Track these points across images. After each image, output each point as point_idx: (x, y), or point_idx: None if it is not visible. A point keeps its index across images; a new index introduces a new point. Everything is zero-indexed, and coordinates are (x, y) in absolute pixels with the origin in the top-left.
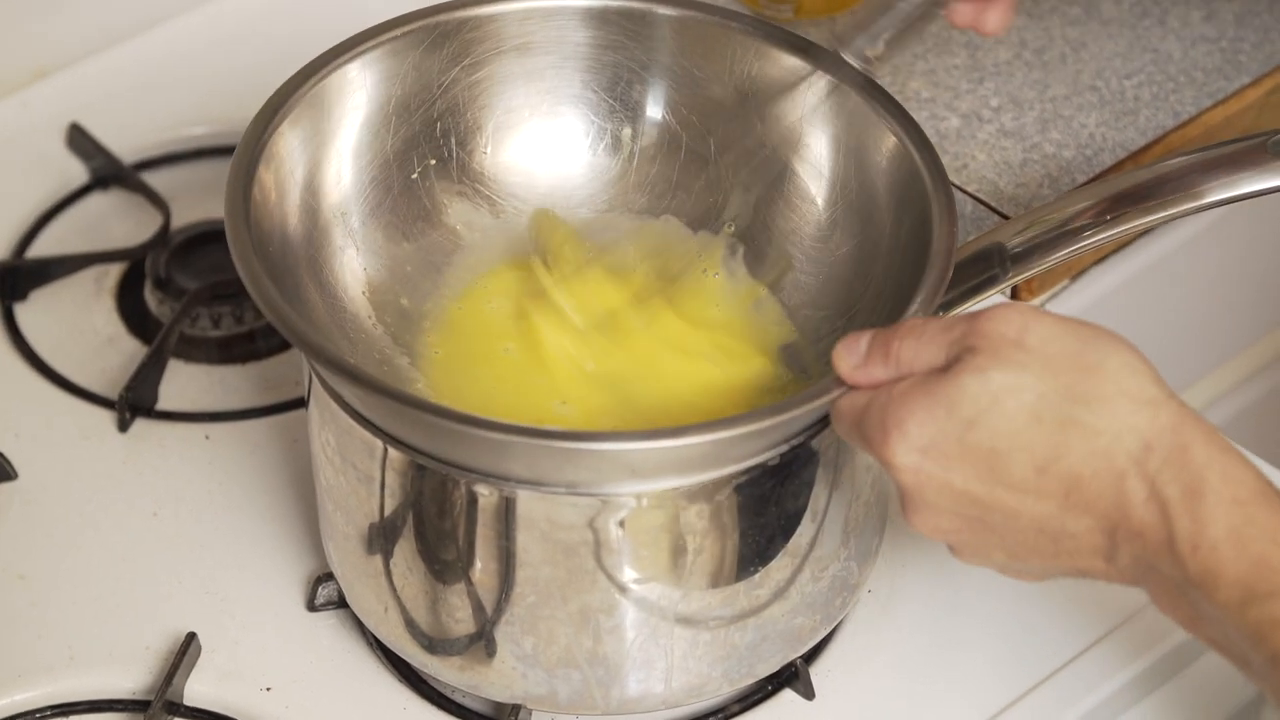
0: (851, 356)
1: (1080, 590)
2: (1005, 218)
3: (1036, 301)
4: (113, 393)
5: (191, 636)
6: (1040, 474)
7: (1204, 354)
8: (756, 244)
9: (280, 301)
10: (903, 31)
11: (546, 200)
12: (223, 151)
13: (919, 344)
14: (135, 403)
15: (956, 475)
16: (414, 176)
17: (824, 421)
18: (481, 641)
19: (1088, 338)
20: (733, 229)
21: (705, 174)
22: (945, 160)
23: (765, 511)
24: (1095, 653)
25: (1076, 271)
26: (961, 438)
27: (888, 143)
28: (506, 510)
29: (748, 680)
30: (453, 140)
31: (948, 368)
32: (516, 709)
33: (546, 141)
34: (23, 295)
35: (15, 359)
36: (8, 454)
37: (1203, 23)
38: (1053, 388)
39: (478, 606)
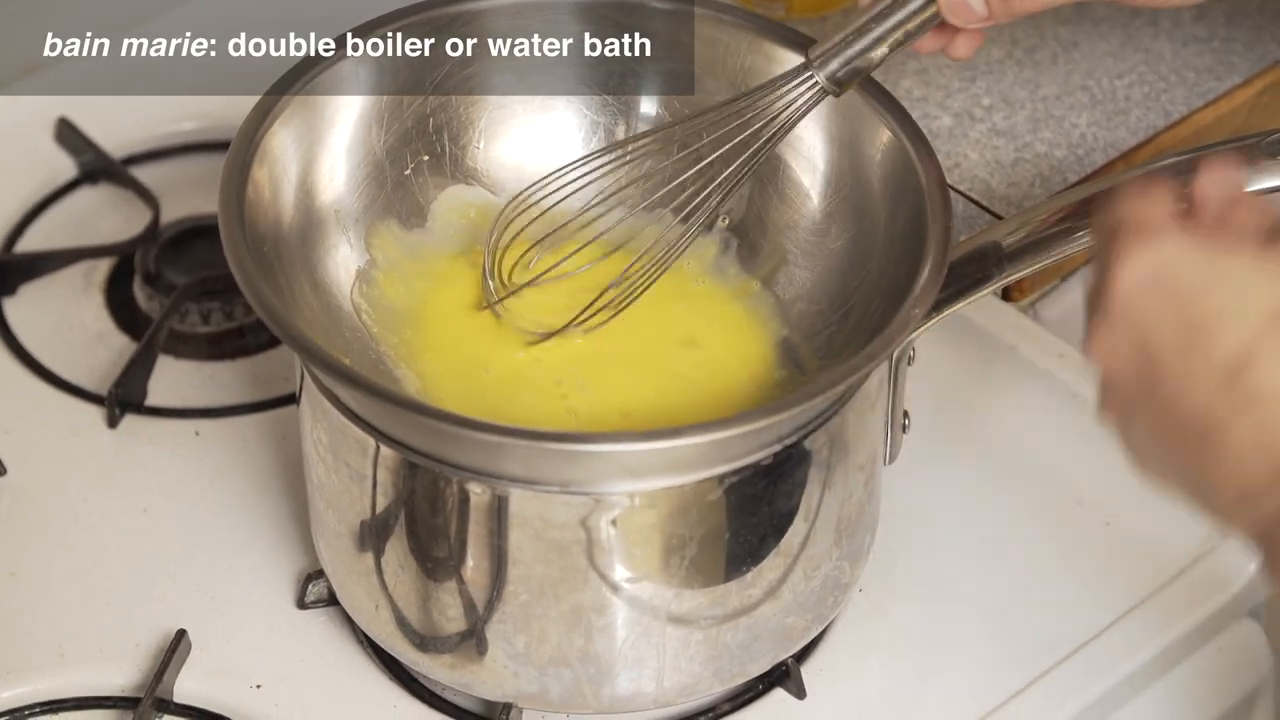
0: (1224, 182)
1: (1071, 589)
2: (997, 216)
3: (1026, 301)
4: (102, 389)
5: (181, 634)
6: (1233, 375)
7: None
8: (751, 238)
9: (274, 302)
10: (871, 58)
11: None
12: (212, 147)
13: (1248, 210)
14: (125, 399)
15: (1160, 318)
16: (407, 172)
17: (817, 420)
18: (473, 640)
19: None
20: (727, 223)
21: (699, 168)
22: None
23: (758, 511)
24: (1088, 651)
25: (1067, 271)
26: (1196, 298)
27: (882, 137)
28: (499, 508)
29: (739, 679)
30: (445, 136)
31: (1236, 239)
32: (508, 708)
33: (539, 136)
34: (11, 290)
35: (4, 354)
36: None
37: (1194, 23)
38: None
39: (469, 605)
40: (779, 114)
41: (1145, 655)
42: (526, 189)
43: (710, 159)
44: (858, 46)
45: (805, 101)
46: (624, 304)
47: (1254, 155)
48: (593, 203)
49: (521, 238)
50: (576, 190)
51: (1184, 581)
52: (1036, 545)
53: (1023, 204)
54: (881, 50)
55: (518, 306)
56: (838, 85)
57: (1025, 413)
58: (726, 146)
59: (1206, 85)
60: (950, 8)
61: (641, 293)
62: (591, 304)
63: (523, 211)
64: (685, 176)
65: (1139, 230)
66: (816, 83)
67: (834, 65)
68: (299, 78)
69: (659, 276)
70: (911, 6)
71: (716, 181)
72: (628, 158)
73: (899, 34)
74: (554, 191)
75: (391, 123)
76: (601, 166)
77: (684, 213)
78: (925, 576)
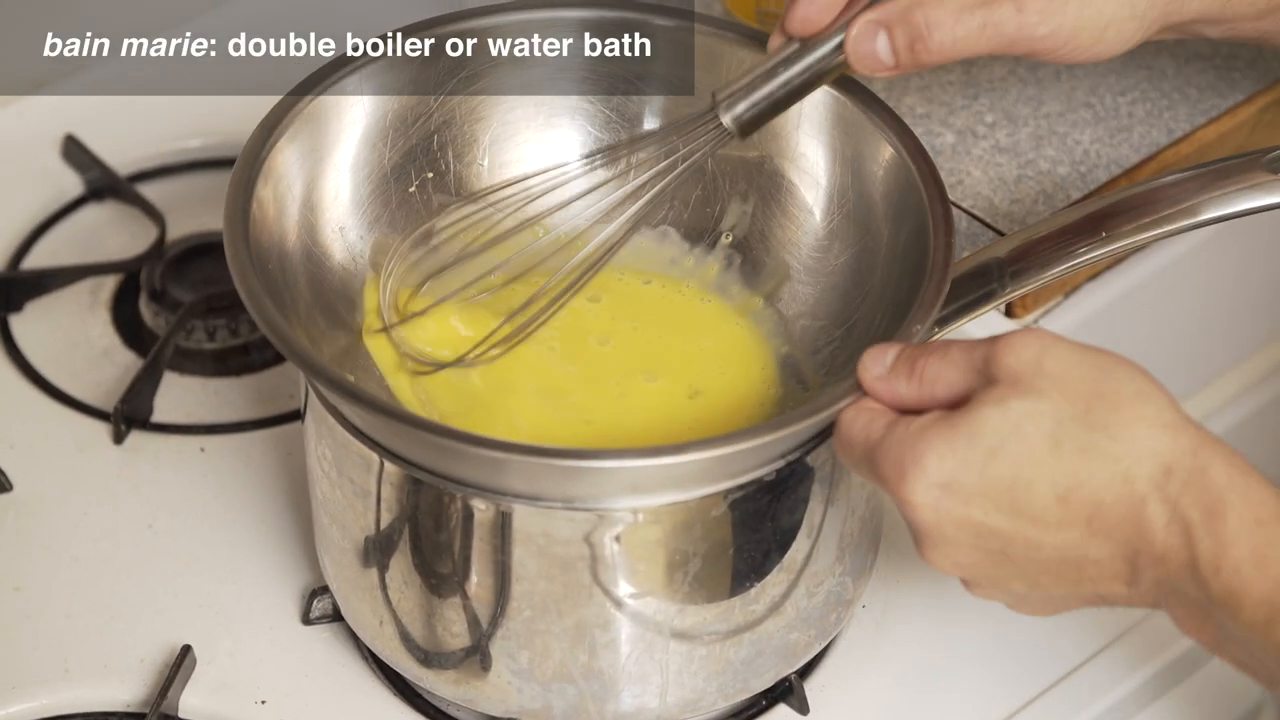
0: (876, 366)
1: None
2: (1000, 233)
3: (1030, 318)
4: (108, 405)
5: (186, 649)
6: (1062, 502)
7: (1196, 370)
8: (753, 255)
9: (279, 320)
10: (777, 102)
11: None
12: (218, 164)
13: (943, 365)
14: (130, 415)
15: (977, 509)
16: (411, 190)
17: (820, 437)
18: (477, 655)
19: (1104, 365)
20: (730, 239)
21: (702, 184)
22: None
23: (761, 527)
24: (1089, 668)
25: (1070, 288)
26: (983, 470)
27: (884, 153)
28: (503, 525)
29: (742, 695)
30: (450, 153)
31: (965, 401)
32: None
33: (543, 154)
34: (18, 307)
35: (10, 371)
36: (3, 466)
37: (1197, 40)
38: (1070, 414)
39: (473, 620)
40: (687, 153)
41: (1146, 673)
42: (448, 214)
43: (625, 189)
44: (763, 91)
45: (709, 142)
46: (524, 335)
47: (1256, 172)
48: (506, 225)
49: (426, 264)
50: (493, 214)
51: None
52: None
53: (1026, 221)
54: (786, 95)
55: (418, 333)
56: (741, 128)
57: None
58: (640, 179)
59: (1209, 102)
60: (858, 58)
61: (545, 319)
62: (492, 334)
63: (428, 238)
64: (600, 205)
65: (895, 461)
66: (721, 125)
67: (740, 108)
68: (304, 95)
69: (566, 301)
70: (819, 54)
71: (627, 214)
72: (552, 182)
73: (805, 78)
74: (466, 218)
75: (396, 140)
76: (524, 191)
77: (597, 242)
78: (927, 593)
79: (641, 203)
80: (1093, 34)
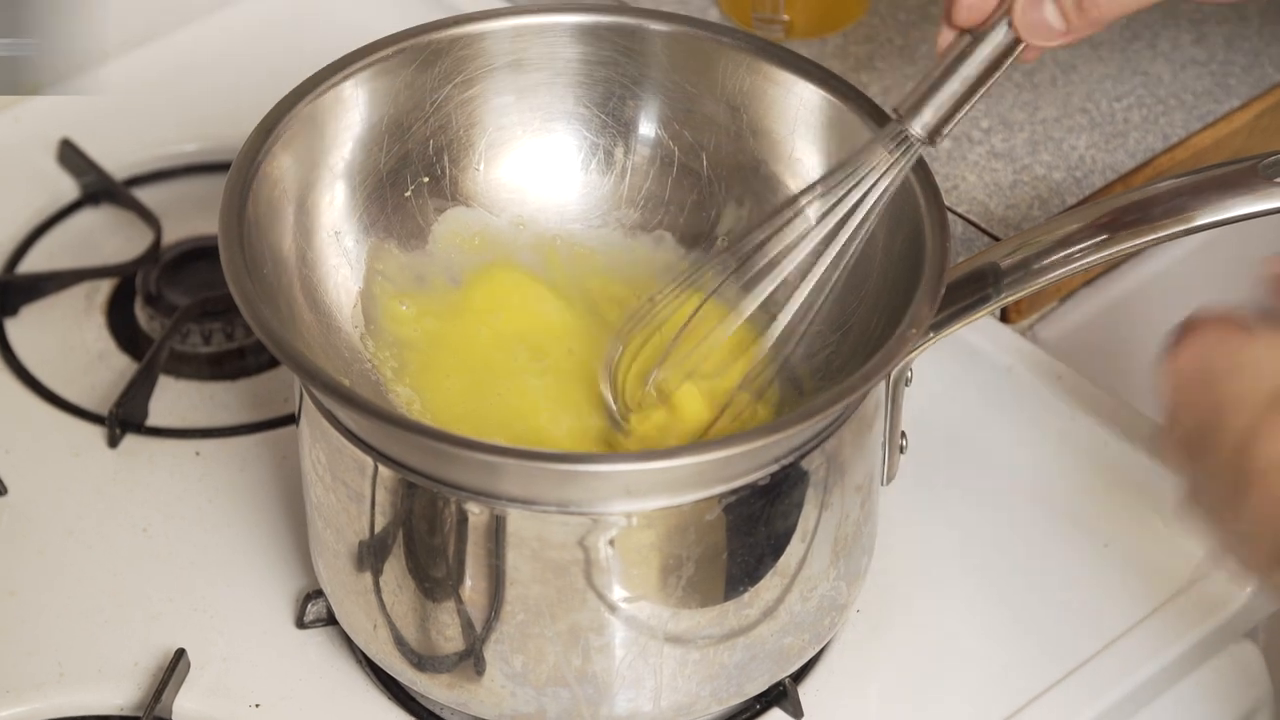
0: None
1: (1068, 610)
2: (995, 239)
3: (1025, 322)
4: (103, 409)
5: (180, 653)
6: (1241, 452)
7: None
8: (749, 258)
9: (274, 324)
10: (960, 99)
11: (538, 216)
12: (214, 168)
13: None
14: (125, 419)
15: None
16: (407, 194)
17: (815, 441)
18: (471, 659)
19: None
20: (726, 243)
21: (698, 189)
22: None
23: (755, 531)
24: (1083, 672)
25: (1065, 293)
26: (1218, 381)
27: None
28: (497, 528)
29: (736, 699)
30: (445, 158)
31: None
32: None
33: (539, 158)
34: (13, 311)
35: (5, 374)
36: None
37: (1193, 46)
38: None
39: (467, 624)
40: (883, 175)
41: (1141, 676)
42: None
43: (827, 230)
44: (946, 91)
45: (902, 157)
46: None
47: (1252, 178)
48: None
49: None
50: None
51: (1181, 603)
52: (1033, 566)
53: (1021, 226)
54: (967, 90)
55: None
56: (931, 134)
57: (1023, 434)
58: (839, 216)
59: (1205, 108)
60: (1028, 28)
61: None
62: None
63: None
64: (806, 256)
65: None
66: (908, 138)
67: (927, 115)
68: (300, 100)
69: (773, 375)
70: (992, 40)
71: (836, 253)
72: (760, 253)
73: (985, 68)
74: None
75: (391, 145)
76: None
77: (813, 285)
78: (922, 597)
79: (847, 237)
80: None
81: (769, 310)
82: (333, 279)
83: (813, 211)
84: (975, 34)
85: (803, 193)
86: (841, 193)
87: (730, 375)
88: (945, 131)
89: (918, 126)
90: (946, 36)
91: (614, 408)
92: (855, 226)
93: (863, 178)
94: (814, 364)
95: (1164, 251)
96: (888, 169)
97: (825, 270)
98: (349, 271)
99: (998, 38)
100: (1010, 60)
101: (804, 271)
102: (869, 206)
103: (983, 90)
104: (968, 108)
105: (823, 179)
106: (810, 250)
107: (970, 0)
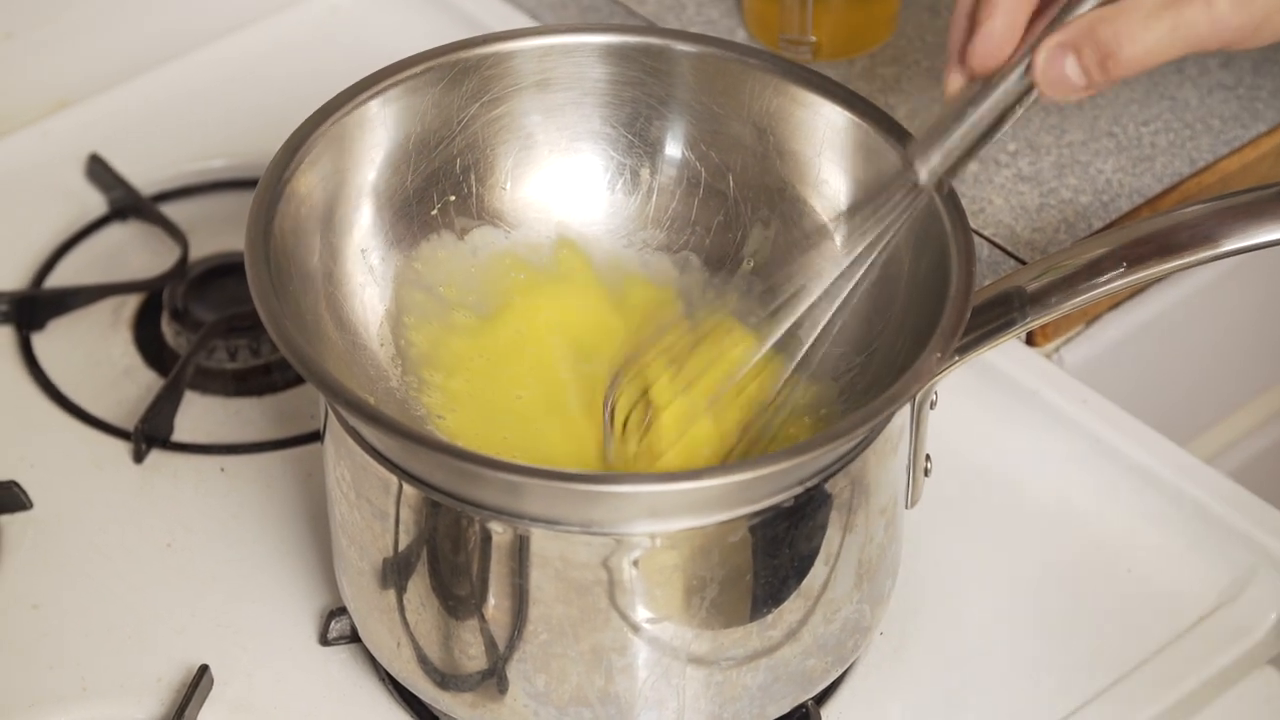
0: None
1: (1091, 634)
2: (1021, 262)
3: (1050, 346)
4: (128, 424)
5: (204, 669)
6: None
7: (1218, 400)
8: (775, 281)
9: (300, 342)
10: (971, 145)
11: (564, 235)
12: (241, 184)
13: None
14: (151, 434)
15: None
16: (434, 213)
17: (840, 463)
18: (493, 678)
19: None
20: (751, 265)
21: (724, 210)
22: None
23: (779, 553)
24: (1106, 698)
25: (1091, 317)
26: None
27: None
28: (520, 548)
29: None
30: (472, 177)
31: None
32: None
33: (565, 178)
34: (40, 325)
35: (32, 389)
36: (23, 484)
37: (1220, 70)
38: None
39: (490, 643)
40: (890, 221)
41: (1165, 703)
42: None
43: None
44: (956, 136)
45: (908, 203)
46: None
47: (1279, 205)
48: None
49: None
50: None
51: (1204, 629)
52: (1056, 590)
53: (1047, 249)
54: (979, 136)
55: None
56: (939, 181)
57: (1047, 457)
58: (849, 260)
59: (1232, 133)
60: (1048, 84)
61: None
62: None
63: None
64: (796, 317)
65: None
66: (918, 183)
67: (935, 160)
68: (327, 118)
69: (779, 421)
70: (1005, 87)
71: (820, 324)
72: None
73: (997, 115)
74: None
75: (419, 163)
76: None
77: (792, 350)
78: (945, 620)
79: (855, 282)
80: None
81: (779, 347)
82: (358, 297)
83: (823, 254)
84: (988, 80)
85: (816, 232)
86: (851, 239)
87: (731, 407)
88: (952, 178)
89: (925, 173)
90: (956, 80)
91: (610, 430)
92: (859, 276)
93: (869, 225)
94: (839, 386)
95: (1190, 276)
96: (894, 215)
97: (829, 316)
98: (375, 289)
99: (1010, 85)
100: (1024, 109)
101: (804, 320)
102: (873, 257)
103: (990, 138)
104: (975, 153)
105: (835, 222)
106: (817, 296)
107: (985, 48)
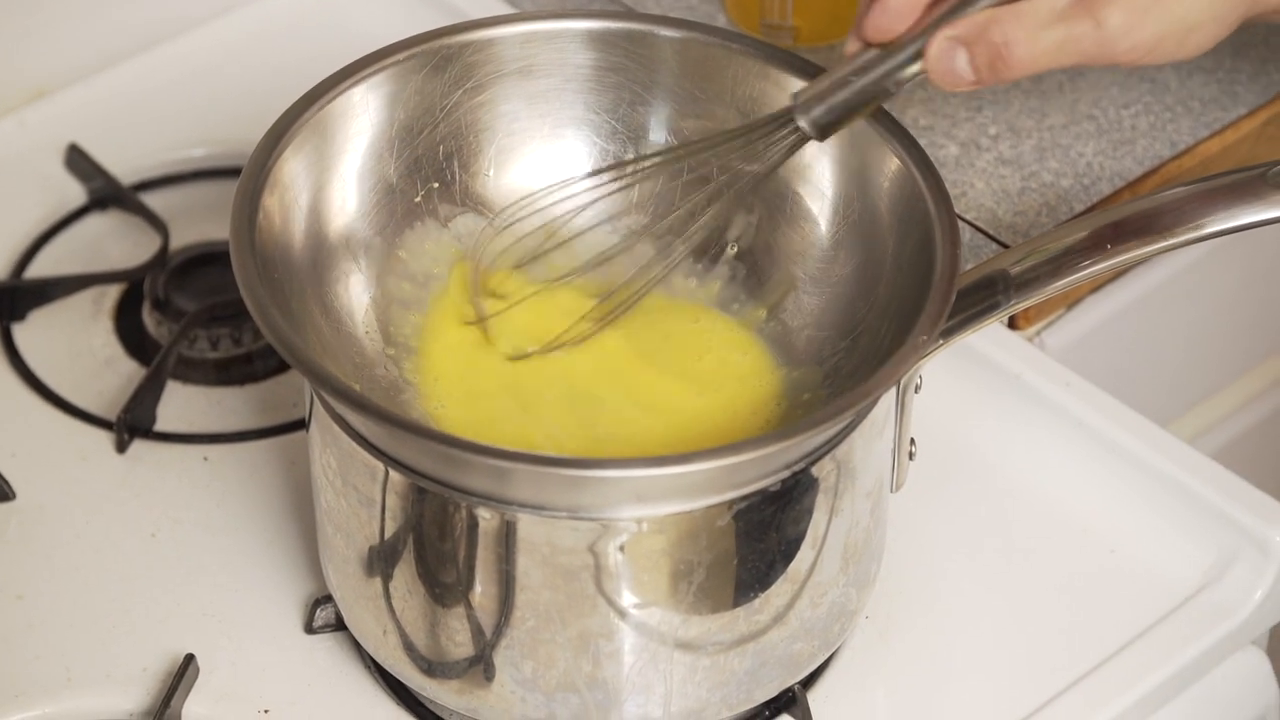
0: None
1: (1075, 617)
2: (1003, 245)
3: (1033, 330)
4: (111, 414)
5: (189, 658)
6: None
7: (1199, 381)
8: (758, 265)
9: (286, 329)
10: (854, 106)
11: (548, 220)
12: (222, 173)
13: None
14: (133, 424)
15: None
16: (417, 200)
17: (825, 448)
18: (480, 665)
19: None
20: (735, 250)
21: (707, 195)
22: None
23: (765, 537)
24: (1090, 680)
25: (1073, 300)
26: None
27: (890, 164)
28: (507, 534)
29: (746, 705)
30: (455, 163)
31: None
32: None
33: (549, 164)
34: (21, 316)
35: (13, 379)
36: (6, 474)
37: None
38: None
39: (477, 630)
40: (761, 155)
41: (1149, 684)
42: (511, 206)
43: (695, 193)
44: (840, 96)
45: (786, 145)
46: (604, 323)
47: (1260, 186)
48: (579, 223)
49: (507, 255)
50: (564, 210)
51: (1188, 610)
52: (1040, 573)
53: (1029, 233)
54: (862, 100)
55: (504, 326)
56: (820, 131)
57: (1030, 440)
58: (709, 184)
59: (1212, 115)
60: (938, 75)
61: (623, 312)
62: (572, 326)
63: (508, 228)
64: (669, 205)
65: None
66: (798, 128)
67: (817, 112)
68: (310, 105)
69: (639, 299)
70: (895, 61)
71: (700, 216)
72: (616, 182)
73: (883, 85)
74: (539, 211)
75: (402, 150)
76: (589, 189)
77: (666, 239)
78: (930, 604)
79: (718, 205)
80: (1175, 40)
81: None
82: (343, 284)
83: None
84: (883, 50)
85: (694, 143)
86: (725, 157)
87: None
88: (831, 131)
89: (806, 121)
90: (854, 45)
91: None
92: (723, 199)
93: (748, 153)
94: (824, 370)
95: (1172, 259)
96: (771, 152)
97: (690, 230)
98: (359, 277)
99: (901, 60)
100: (907, 86)
101: (675, 224)
102: (743, 180)
103: (875, 103)
104: (857, 114)
105: (714, 140)
106: (685, 203)
107: (879, 22)
